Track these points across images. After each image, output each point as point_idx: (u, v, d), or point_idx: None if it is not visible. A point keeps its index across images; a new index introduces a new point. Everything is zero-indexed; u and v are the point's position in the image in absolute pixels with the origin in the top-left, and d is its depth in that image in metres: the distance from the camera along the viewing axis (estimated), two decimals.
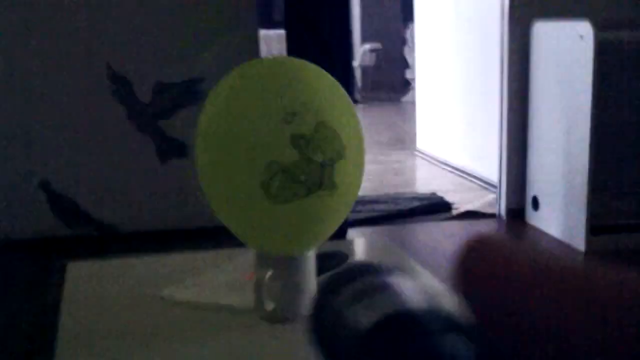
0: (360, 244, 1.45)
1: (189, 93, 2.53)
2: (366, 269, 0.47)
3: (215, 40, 2.52)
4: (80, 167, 2.64)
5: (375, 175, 4.39)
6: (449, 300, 0.41)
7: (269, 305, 0.99)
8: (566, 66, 2.72)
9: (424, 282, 0.45)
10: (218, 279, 1.16)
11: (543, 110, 2.93)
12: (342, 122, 0.91)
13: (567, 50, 2.71)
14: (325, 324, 0.46)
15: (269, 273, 0.97)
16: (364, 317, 0.42)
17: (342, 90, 0.92)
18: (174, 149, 2.73)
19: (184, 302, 1.07)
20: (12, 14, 2.52)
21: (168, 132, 2.63)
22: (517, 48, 3.13)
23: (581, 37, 2.60)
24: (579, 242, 2.73)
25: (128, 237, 2.71)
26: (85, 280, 1.19)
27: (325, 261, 1.19)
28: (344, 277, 0.46)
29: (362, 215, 3.18)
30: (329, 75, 0.91)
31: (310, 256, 1.02)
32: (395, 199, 3.58)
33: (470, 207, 3.40)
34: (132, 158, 2.63)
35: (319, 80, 0.91)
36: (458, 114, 4.44)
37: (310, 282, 1.03)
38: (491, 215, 3.25)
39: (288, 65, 0.92)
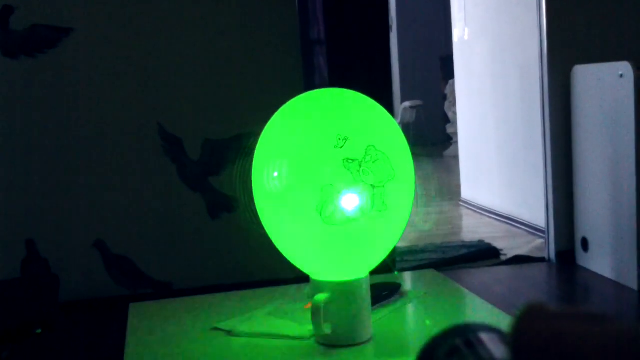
0: (410, 275, 1.48)
1: (237, 149, 2.61)
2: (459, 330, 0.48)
3: (263, 98, 2.62)
4: (134, 226, 2.70)
5: (421, 226, 4.39)
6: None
7: (327, 329, 1.02)
8: (607, 106, 2.74)
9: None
10: (275, 311, 1.20)
11: (588, 152, 2.93)
12: (391, 146, 0.95)
13: (607, 91, 2.73)
14: None
15: (326, 297, 1.01)
16: None
17: (390, 117, 0.97)
18: (223, 205, 2.79)
19: (244, 334, 1.11)
20: (63, 76, 2.63)
21: (218, 188, 2.69)
22: (558, 93, 3.16)
23: (621, 75, 2.63)
24: (632, 281, 2.70)
25: (183, 294, 2.75)
26: (147, 319, 1.24)
27: (378, 291, 1.22)
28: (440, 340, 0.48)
29: (410, 265, 3.18)
30: (376, 103, 0.96)
31: (365, 282, 1.05)
32: (442, 247, 3.58)
33: (519, 252, 3.39)
34: (183, 215, 2.69)
35: (368, 106, 0.96)
36: (502, 163, 4.44)
37: (365, 307, 1.06)
38: (540, 259, 3.23)
39: (337, 94, 0.97)
